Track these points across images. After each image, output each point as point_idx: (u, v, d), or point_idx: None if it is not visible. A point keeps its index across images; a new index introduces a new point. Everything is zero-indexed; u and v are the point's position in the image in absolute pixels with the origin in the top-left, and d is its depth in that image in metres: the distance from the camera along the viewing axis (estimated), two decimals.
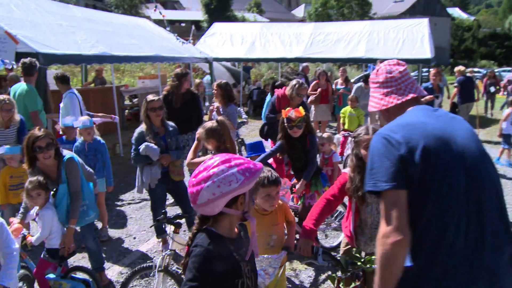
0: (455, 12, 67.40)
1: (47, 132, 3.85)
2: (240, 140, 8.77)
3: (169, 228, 3.67)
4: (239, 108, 9.00)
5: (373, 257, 2.70)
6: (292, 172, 4.95)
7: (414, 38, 15.31)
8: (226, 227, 1.95)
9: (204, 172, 1.85)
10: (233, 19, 40.13)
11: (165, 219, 3.60)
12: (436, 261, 1.78)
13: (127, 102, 14.97)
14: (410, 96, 2.11)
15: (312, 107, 10.63)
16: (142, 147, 4.71)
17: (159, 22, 35.68)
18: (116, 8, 37.98)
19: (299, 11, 68.24)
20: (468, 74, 12.63)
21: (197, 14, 47.88)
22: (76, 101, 6.81)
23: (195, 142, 4.15)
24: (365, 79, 9.81)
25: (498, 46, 52.33)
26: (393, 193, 1.77)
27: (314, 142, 4.64)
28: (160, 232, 5.04)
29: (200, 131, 3.94)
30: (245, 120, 8.82)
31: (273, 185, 2.89)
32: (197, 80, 11.38)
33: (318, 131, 8.41)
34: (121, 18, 14.83)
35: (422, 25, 15.96)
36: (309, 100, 10.49)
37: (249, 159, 1.96)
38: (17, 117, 5.59)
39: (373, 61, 13.39)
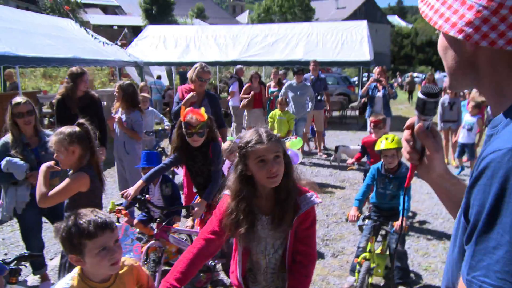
0: (395, 20, 69.48)
1: None
2: (160, 150, 7.77)
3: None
4: (158, 113, 8.06)
5: None
6: (194, 190, 4.02)
7: (354, 41, 14.92)
8: None
9: None
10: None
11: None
12: None
13: (46, 109, 13.53)
14: None
15: (245, 112, 9.81)
16: (3, 162, 3.69)
17: (98, 27, 34.05)
18: (51, 11, 35.85)
19: (243, 17, 67.93)
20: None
21: (138, 19, 46.33)
22: None
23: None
24: (297, 71, 8.99)
25: (434, 53, 54.05)
26: None
27: (218, 152, 3.70)
28: (37, 268, 4.06)
29: (54, 139, 2.91)
30: (166, 128, 7.88)
31: (106, 230, 1.83)
32: (142, 83, 10.02)
33: None
34: (38, 17, 13.46)
35: (361, 27, 15.62)
36: (241, 104, 9.66)
37: None
38: None
39: None
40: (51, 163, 3.04)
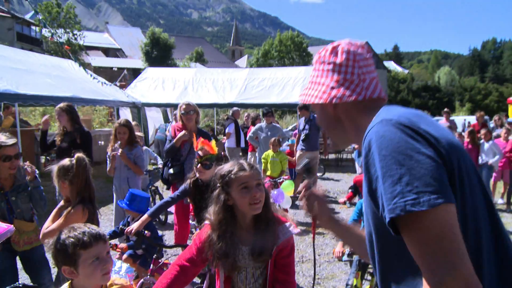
0: (391, 65, 70.74)
1: None
2: (154, 188, 7.79)
3: None
4: (152, 153, 8.10)
5: None
6: (196, 223, 4.01)
7: None
8: None
9: None
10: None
11: None
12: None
13: None
14: (382, 95, 1.43)
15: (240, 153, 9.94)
16: None
17: (98, 69, 34.50)
18: (55, 53, 36.58)
19: (242, 62, 69.25)
20: None
21: (138, 62, 47.29)
22: None
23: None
24: (266, 112, 9.26)
25: (430, 98, 54.85)
26: (447, 209, 1.07)
27: None
28: None
29: (54, 169, 2.97)
30: (160, 167, 7.93)
31: (100, 240, 1.91)
32: (134, 122, 10.12)
33: None
34: (40, 57, 13.78)
35: None
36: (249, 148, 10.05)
37: None
38: None
39: None
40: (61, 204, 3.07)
